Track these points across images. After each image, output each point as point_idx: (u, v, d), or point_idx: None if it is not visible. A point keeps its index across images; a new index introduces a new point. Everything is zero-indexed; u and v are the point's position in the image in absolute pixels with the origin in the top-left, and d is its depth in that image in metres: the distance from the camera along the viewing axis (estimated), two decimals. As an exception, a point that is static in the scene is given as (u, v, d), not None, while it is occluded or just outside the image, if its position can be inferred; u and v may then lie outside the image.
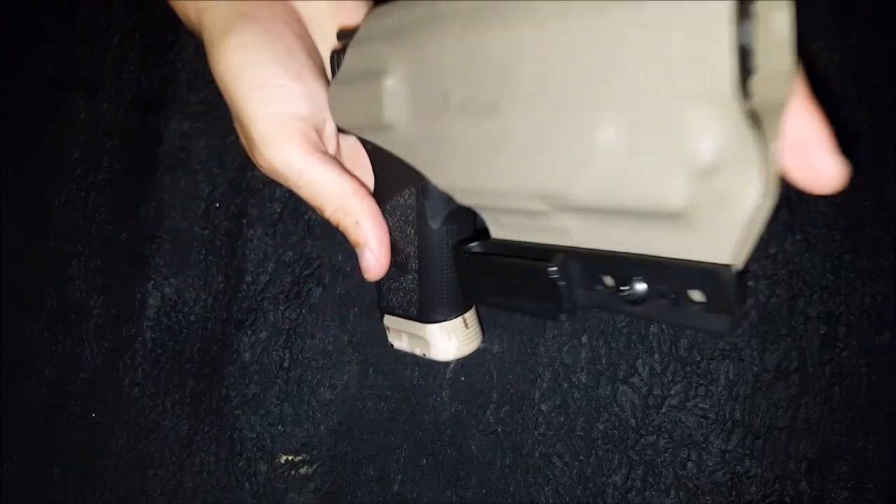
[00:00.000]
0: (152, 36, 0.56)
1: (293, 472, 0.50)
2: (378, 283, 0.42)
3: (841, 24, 0.51)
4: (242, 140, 0.40)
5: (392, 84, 0.34)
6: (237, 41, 0.37)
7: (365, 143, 0.39)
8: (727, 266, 0.24)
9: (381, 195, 0.40)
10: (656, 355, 0.51)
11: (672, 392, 0.50)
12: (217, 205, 0.52)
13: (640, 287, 0.27)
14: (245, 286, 0.51)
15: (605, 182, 0.26)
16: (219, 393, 0.51)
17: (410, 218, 0.39)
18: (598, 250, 0.29)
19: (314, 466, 0.50)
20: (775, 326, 0.50)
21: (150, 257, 0.52)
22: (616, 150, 0.25)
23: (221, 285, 0.51)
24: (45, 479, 0.52)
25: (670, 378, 0.50)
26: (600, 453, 0.50)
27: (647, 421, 0.50)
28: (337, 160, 0.39)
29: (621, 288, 0.28)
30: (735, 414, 0.50)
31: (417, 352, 0.42)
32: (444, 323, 0.40)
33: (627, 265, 0.27)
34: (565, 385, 0.51)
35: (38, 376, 0.52)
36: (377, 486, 0.50)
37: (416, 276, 0.40)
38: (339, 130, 0.40)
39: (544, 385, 0.51)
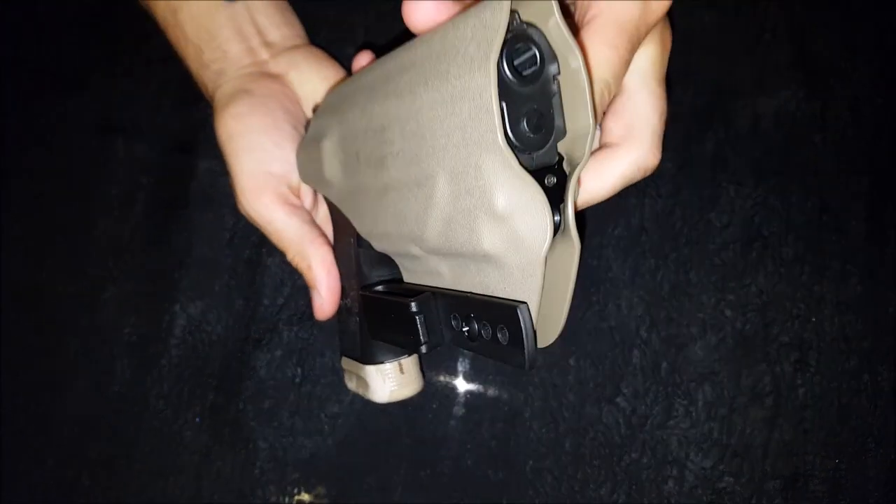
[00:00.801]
0: (186, 87, 0.62)
1: (303, 481, 0.54)
2: (338, 327, 0.48)
3: (805, 73, 0.56)
4: (232, 189, 0.47)
5: (328, 146, 0.40)
6: (235, 111, 0.46)
7: (324, 197, 0.45)
8: (520, 303, 0.27)
9: (335, 244, 0.46)
10: (639, 377, 0.54)
11: (654, 412, 0.54)
12: (239, 235, 0.58)
13: (476, 325, 0.30)
14: (263, 308, 0.56)
15: (442, 227, 0.30)
16: (236, 406, 0.55)
17: (351, 264, 0.44)
18: (449, 290, 0.32)
19: (322, 475, 0.54)
20: (750, 352, 0.54)
21: (179, 282, 0.57)
22: (447, 198, 0.29)
23: (241, 308, 0.57)
24: (75, 484, 0.56)
25: (652, 399, 0.54)
26: (588, 469, 0.54)
27: (631, 439, 0.54)
28: (306, 213, 0.46)
29: (463, 326, 0.31)
30: (713, 434, 0.54)
31: (360, 392, 0.46)
32: (380, 365, 0.44)
33: (466, 305, 0.31)
34: (555, 404, 0.55)
35: (72, 389, 0.57)
36: (379, 495, 0.54)
37: (357, 318, 0.44)
38: None
39: (535, 404, 0.55)
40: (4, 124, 0.63)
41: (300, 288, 0.57)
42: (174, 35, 0.51)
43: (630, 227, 0.56)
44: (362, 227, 0.39)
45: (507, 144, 0.26)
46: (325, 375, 0.56)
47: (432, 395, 0.55)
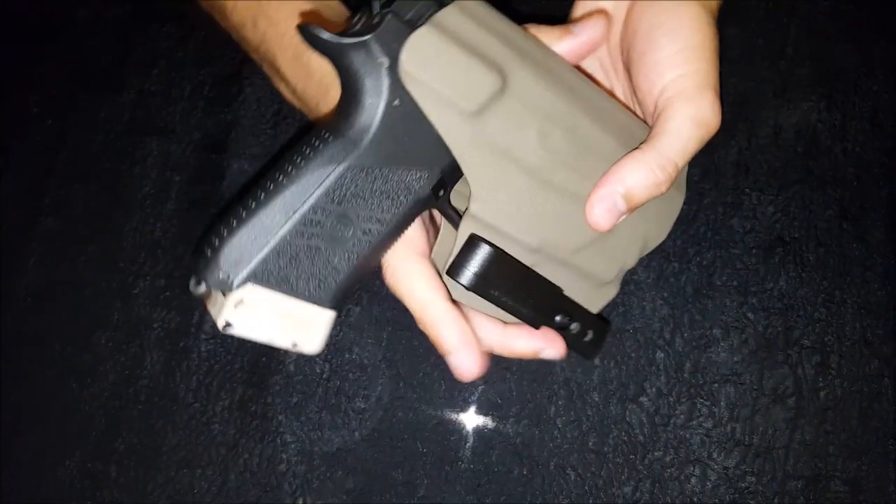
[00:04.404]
0: (219, 88, 0.64)
1: (329, 474, 0.55)
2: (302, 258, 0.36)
3: (825, 86, 0.58)
4: None
5: (503, 87, 0.35)
6: None
7: (398, 105, 0.34)
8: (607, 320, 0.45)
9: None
10: (663, 378, 0.55)
11: (677, 412, 0.55)
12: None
13: (574, 325, 0.41)
14: (292, 305, 0.57)
15: (580, 246, 0.40)
16: (265, 400, 0.56)
17: (399, 197, 0.36)
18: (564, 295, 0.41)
19: (348, 469, 0.55)
20: (772, 354, 0.55)
21: (209, 277, 0.58)
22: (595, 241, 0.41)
23: (271, 303, 0.58)
24: (103, 476, 0.56)
25: (676, 399, 0.55)
26: (611, 466, 0.55)
27: (654, 438, 0.55)
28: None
29: (571, 325, 0.41)
30: (736, 434, 0.54)
31: (281, 340, 0.36)
32: (336, 313, 0.37)
33: (573, 308, 0.41)
34: (579, 403, 0.55)
35: (102, 381, 0.58)
36: (404, 489, 0.55)
37: (355, 256, 0.36)
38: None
39: (560, 402, 0.55)
40: (41, 124, 0.64)
41: (329, 285, 0.58)
42: (271, 32, 0.46)
43: (654, 230, 0.57)
44: (480, 187, 0.37)
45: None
46: (352, 371, 0.56)
47: (458, 392, 0.56)
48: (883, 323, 0.55)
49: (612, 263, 0.42)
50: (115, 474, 0.56)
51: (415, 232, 0.39)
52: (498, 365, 0.56)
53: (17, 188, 0.64)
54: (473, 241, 0.37)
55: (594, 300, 0.42)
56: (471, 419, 0.56)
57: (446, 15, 0.34)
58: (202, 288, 0.34)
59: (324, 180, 0.34)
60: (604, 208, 0.38)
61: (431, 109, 0.34)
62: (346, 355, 0.57)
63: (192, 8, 0.65)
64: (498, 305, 0.39)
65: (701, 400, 0.55)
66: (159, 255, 0.60)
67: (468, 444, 0.55)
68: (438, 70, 0.34)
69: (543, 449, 0.55)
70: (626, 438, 0.55)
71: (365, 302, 0.57)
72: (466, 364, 0.38)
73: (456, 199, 0.39)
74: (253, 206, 0.34)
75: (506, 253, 0.38)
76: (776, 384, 0.55)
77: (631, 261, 0.43)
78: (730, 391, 0.55)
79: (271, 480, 0.55)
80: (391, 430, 0.56)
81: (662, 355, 0.56)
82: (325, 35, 0.32)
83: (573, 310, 0.41)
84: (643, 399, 0.55)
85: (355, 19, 0.34)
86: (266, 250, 0.34)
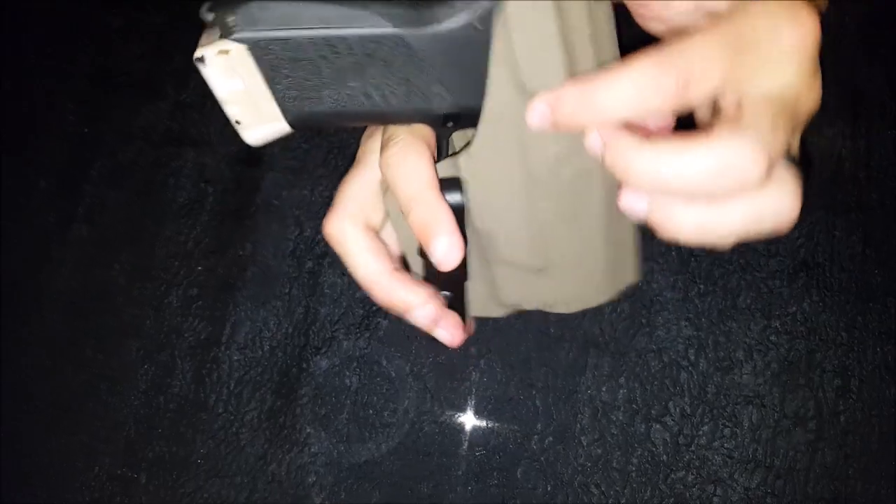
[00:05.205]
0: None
1: (356, 487, 0.56)
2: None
3: (851, 113, 0.59)
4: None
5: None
6: None
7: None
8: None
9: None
10: (686, 398, 0.56)
11: (700, 432, 0.56)
12: (302, 246, 0.60)
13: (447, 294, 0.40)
14: (322, 317, 0.58)
15: (507, 264, 0.40)
16: (293, 411, 0.57)
17: (415, 95, 0.35)
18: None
19: (375, 482, 0.56)
20: (794, 377, 0.56)
21: (241, 289, 0.59)
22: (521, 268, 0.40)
23: (302, 316, 0.58)
24: (132, 483, 0.57)
25: (699, 419, 0.56)
26: (634, 485, 0.55)
27: (677, 458, 0.55)
28: None
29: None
30: (758, 455, 0.55)
31: (231, 107, 0.35)
32: (289, 130, 0.36)
33: (459, 292, 0.41)
34: (604, 421, 0.56)
35: (133, 389, 0.59)
36: (430, 503, 0.55)
37: (343, 103, 0.35)
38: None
39: (584, 420, 0.56)
40: (76, 131, 0.65)
41: (359, 299, 0.59)
42: None
43: (680, 252, 0.58)
44: (473, 158, 0.36)
45: None
46: (380, 384, 0.57)
47: (484, 406, 0.57)
48: (904, 349, 0.56)
49: (514, 292, 0.41)
50: (145, 482, 0.57)
51: (430, 131, 0.38)
52: (523, 382, 0.57)
53: (52, 195, 0.65)
54: (456, 182, 0.37)
55: (477, 304, 0.42)
56: (496, 435, 0.56)
57: (572, 3, 0.33)
58: (209, 17, 0.33)
59: (370, 27, 0.33)
60: None
61: (498, 57, 0.34)
62: (375, 368, 0.58)
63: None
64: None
65: (723, 421, 0.56)
66: (192, 265, 0.61)
67: (494, 460, 0.56)
68: (529, 32, 0.33)
69: (568, 466, 0.56)
70: (649, 458, 0.56)
71: (393, 316, 0.58)
72: (453, 247, 0.37)
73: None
74: None
75: (464, 215, 0.37)
76: (797, 407, 0.56)
77: (529, 305, 0.42)
78: (752, 413, 0.56)
79: (299, 491, 0.56)
80: (417, 444, 0.56)
81: (686, 376, 0.56)
82: None
83: (458, 293, 0.41)
84: (667, 419, 0.56)
85: None
86: (281, 34, 0.33)
